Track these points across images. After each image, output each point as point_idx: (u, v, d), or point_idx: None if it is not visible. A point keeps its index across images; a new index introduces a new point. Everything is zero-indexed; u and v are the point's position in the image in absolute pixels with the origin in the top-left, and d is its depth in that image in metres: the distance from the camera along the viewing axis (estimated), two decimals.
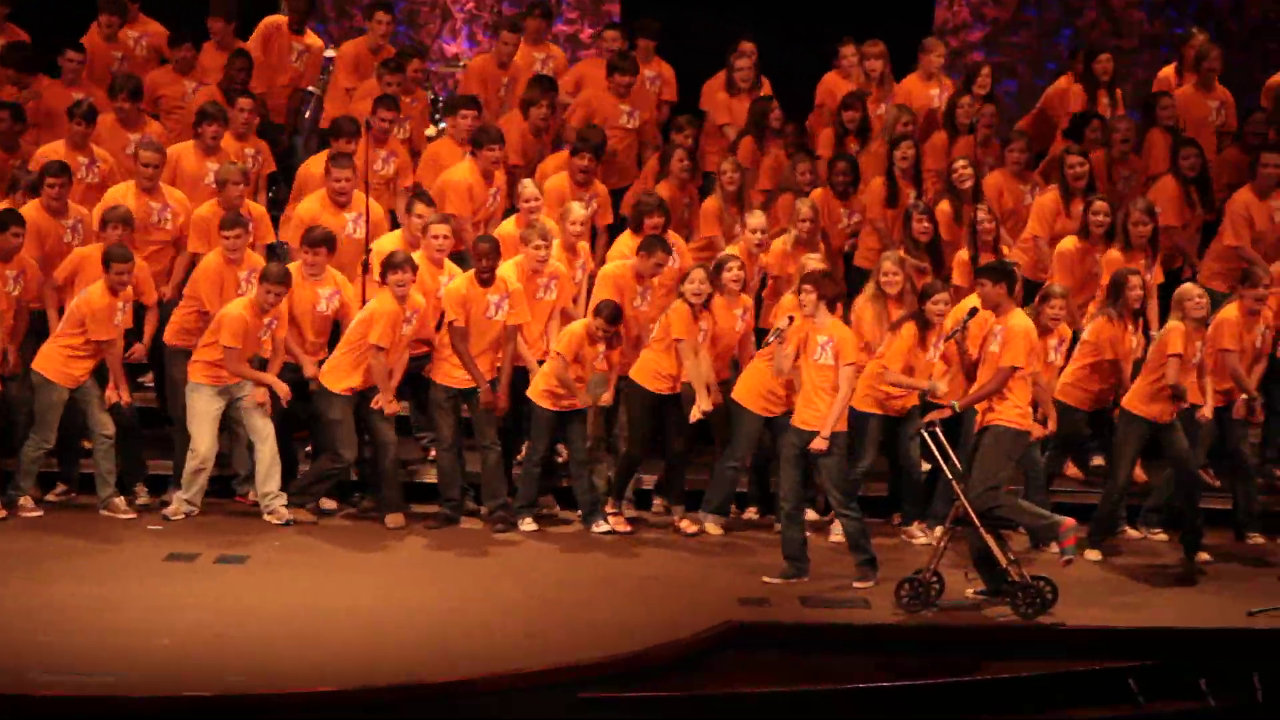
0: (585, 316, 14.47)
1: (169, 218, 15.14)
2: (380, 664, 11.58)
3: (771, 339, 13.36)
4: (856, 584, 13.10)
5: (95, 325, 14.11)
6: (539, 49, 17.42)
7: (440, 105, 17.48)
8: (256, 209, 15.34)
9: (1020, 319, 12.94)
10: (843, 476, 13.19)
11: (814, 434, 12.99)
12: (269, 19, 17.41)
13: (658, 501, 14.82)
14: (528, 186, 15.08)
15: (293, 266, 14.54)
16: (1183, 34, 17.96)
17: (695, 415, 14.07)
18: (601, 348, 14.26)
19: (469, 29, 20.08)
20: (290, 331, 14.41)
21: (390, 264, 14.19)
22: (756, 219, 14.98)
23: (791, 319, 13.26)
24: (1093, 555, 13.89)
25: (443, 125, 16.91)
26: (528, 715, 11.44)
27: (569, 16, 20.13)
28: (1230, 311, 14.13)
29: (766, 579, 13.15)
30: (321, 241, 14.46)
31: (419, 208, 14.94)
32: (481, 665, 11.57)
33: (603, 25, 19.11)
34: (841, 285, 13.54)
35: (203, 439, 14.25)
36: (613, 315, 14.25)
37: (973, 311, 13.19)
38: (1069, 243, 15.09)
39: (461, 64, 18.97)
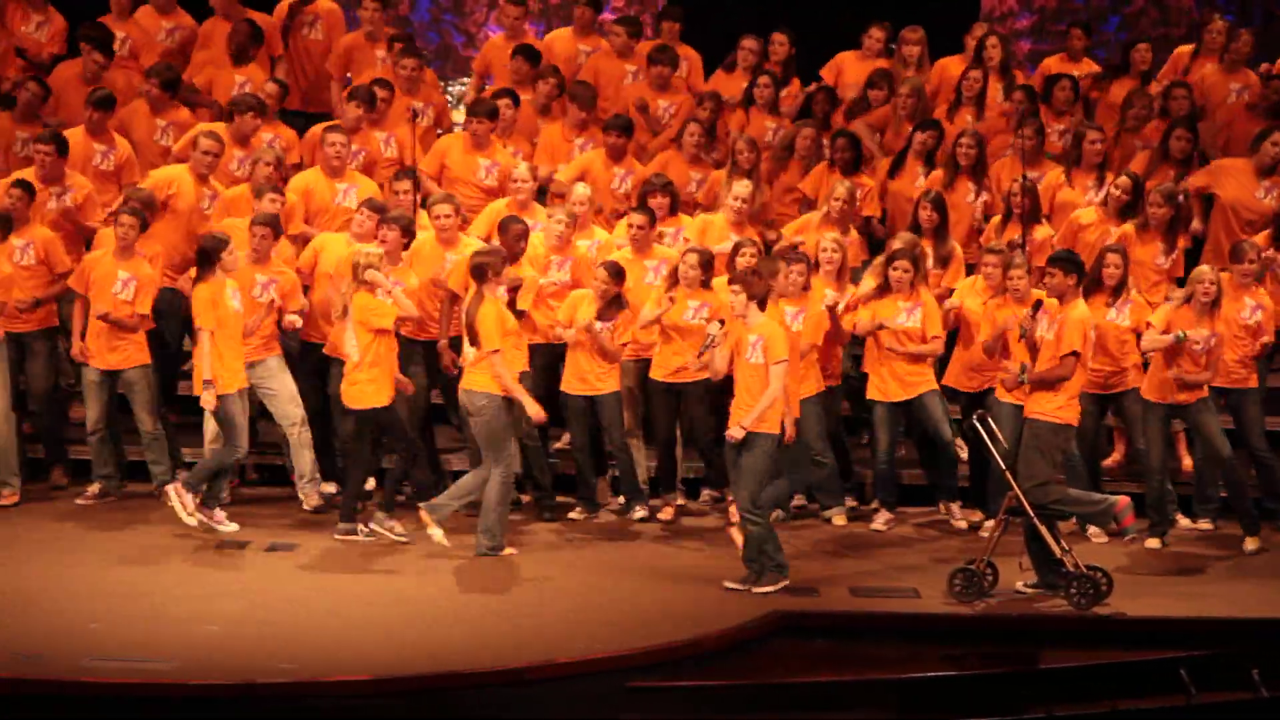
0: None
1: (215, 207, 15.21)
2: (428, 653, 11.59)
3: (705, 347, 12.98)
4: (728, 583, 12.77)
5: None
6: (586, 41, 17.42)
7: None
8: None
9: (1080, 309, 12.89)
10: (758, 479, 12.74)
11: (754, 434, 12.71)
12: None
13: (706, 492, 14.79)
14: (578, 189, 15.01)
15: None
16: (1202, 17, 17.93)
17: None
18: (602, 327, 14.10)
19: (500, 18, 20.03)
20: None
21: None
22: (741, 187, 14.92)
23: (722, 323, 13.02)
24: (1152, 544, 13.83)
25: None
26: (576, 704, 11.42)
27: (615, 5, 20.09)
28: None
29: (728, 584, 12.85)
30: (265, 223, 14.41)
31: (403, 184, 14.99)
32: (529, 654, 11.57)
33: (649, 12, 19.10)
34: (769, 282, 13.36)
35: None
36: (614, 270, 14.11)
37: (1037, 305, 13.11)
38: (1089, 214, 15.06)
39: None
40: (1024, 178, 15.00)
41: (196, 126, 15.66)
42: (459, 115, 17.42)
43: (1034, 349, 13.01)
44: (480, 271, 13.30)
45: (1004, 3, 19.94)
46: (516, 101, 16.23)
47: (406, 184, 15.01)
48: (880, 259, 14.39)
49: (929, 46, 17.17)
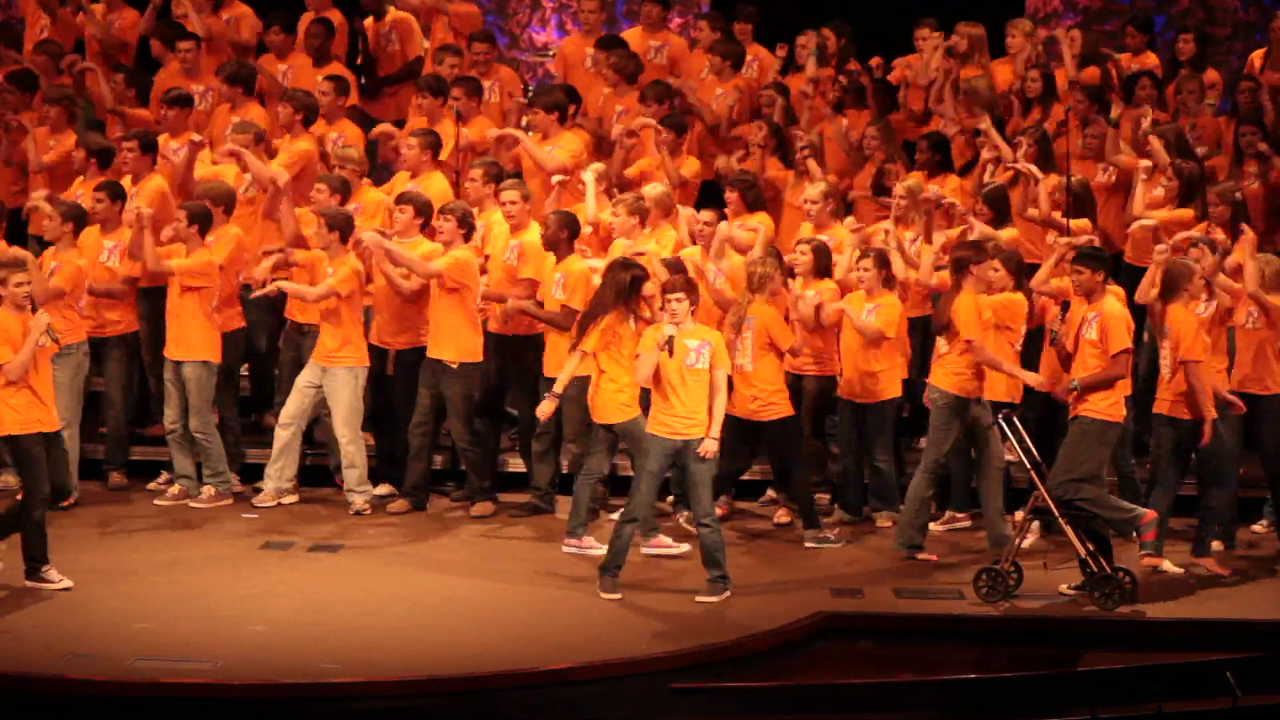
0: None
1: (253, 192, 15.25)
2: (472, 654, 11.61)
3: (661, 350, 12.64)
4: (701, 598, 12.57)
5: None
6: (655, 37, 17.46)
7: (529, 95, 17.53)
8: (373, 195, 15.23)
9: (1113, 303, 12.83)
10: (711, 485, 12.77)
11: (686, 441, 12.61)
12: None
13: (768, 493, 14.72)
14: (655, 187, 14.96)
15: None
16: (1249, 16, 17.90)
17: None
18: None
19: (558, 18, 20.07)
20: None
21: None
22: (813, 189, 14.88)
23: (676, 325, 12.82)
24: (1216, 546, 13.64)
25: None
26: (620, 705, 11.43)
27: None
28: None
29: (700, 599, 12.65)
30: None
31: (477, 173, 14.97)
32: (573, 655, 11.60)
33: (693, 14, 19.10)
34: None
35: (285, 407, 14.35)
36: (674, 267, 13.89)
37: (1065, 306, 13.04)
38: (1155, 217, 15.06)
39: (550, 53, 19.00)
40: (1069, 177, 14.93)
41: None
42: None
43: (1062, 350, 12.94)
44: (961, 264, 13.28)
45: (1049, 3, 19.88)
46: (574, 98, 16.26)
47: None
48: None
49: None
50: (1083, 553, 12.61)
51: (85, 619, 12.06)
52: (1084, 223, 14.71)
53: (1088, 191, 15.04)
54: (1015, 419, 12.99)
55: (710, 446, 12.56)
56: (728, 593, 12.62)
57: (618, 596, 12.60)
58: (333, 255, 14.27)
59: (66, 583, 12.52)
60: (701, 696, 11.53)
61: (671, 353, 12.58)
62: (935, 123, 16.44)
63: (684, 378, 12.58)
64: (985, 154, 15.59)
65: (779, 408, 13.63)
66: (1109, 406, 12.71)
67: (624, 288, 13.18)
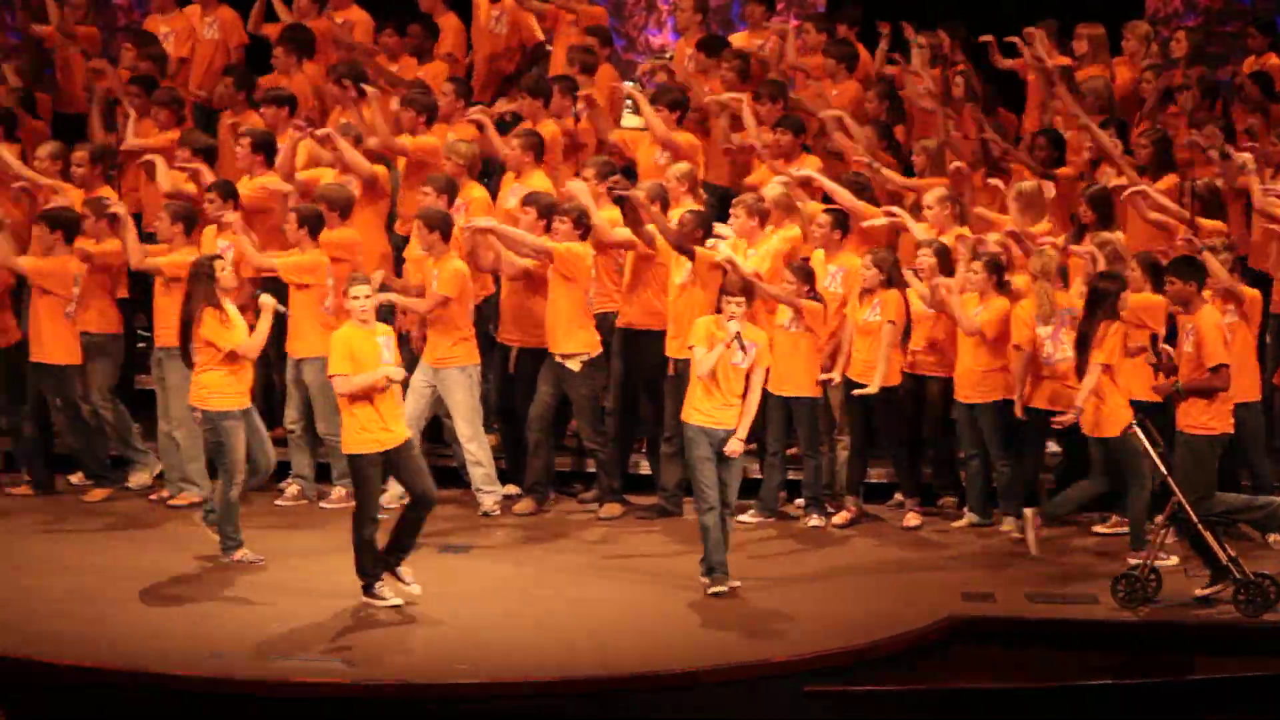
0: None
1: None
2: (602, 655, 11.63)
3: (729, 346, 12.68)
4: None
5: None
6: (757, 35, 17.42)
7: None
8: (478, 192, 15.16)
9: (1210, 313, 12.68)
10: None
11: (728, 431, 12.67)
12: None
13: (896, 496, 14.68)
14: (774, 187, 14.91)
15: None
16: None
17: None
18: None
19: (674, 20, 20.03)
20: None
21: None
22: (930, 195, 14.71)
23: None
24: None
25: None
26: (753, 707, 11.43)
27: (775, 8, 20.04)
28: None
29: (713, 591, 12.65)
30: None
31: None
32: (704, 658, 11.58)
33: (806, 16, 19.05)
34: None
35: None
36: (801, 271, 14.03)
37: (1154, 339, 12.94)
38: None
39: (668, 55, 18.97)
40: (1192, 180, 14.79)
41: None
42: (632, 120, 17.43)
43: (1170, 372, 12.80)
44: None
45: (1169, 4, 19.73)
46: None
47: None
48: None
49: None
50: (1224, 559, 12.48)
51: (222, 619, 12.16)
52: (1216, 224, 14.61)
53: (1215, 194, 14.87)
54: (1149, 423, 12.89)
55: (736, 448, 12.66)
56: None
57: (725, 590, 12.57)
58: (436, 256, 14.25)
59: (396, 600, 12.41)
60: (834, 699, 11.51)
61: (745, 349, 12.64)
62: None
63: (728, 374, 12.63)
64: (1086, 154, 15.49)
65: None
66: (1210, 420, 12.57)
67: (1114, 296, 13.13)
